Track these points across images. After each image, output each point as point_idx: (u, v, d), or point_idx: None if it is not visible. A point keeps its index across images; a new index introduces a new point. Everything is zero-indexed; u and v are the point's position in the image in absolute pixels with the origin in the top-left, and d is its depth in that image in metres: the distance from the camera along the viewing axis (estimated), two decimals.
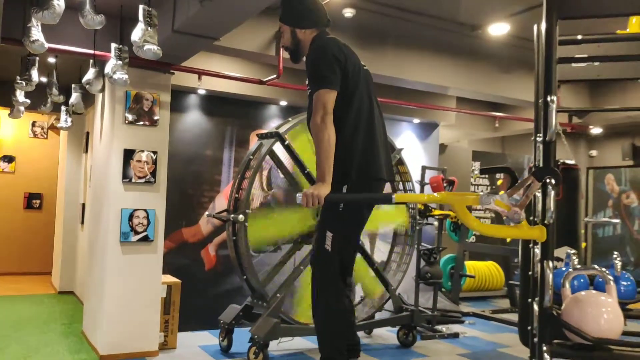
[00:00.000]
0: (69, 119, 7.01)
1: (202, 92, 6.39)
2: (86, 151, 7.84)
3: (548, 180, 2.50)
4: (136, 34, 4.02)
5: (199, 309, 6.12)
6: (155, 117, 5.17)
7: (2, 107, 7.94)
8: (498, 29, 5.76)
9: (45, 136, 10.05)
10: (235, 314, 5.27)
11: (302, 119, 5.38)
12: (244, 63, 6.29)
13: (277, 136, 5.17)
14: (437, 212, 6.45)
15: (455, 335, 6.30)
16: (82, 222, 7.66)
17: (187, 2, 4.00)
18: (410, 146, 7.77)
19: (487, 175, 9.79)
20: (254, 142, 5.60)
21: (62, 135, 8.84)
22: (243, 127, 6.75)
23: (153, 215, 5.12)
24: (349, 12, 5.24)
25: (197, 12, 3.85)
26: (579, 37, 3.12)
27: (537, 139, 2.86)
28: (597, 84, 7.84)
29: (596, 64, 3.61)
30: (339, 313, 2.89)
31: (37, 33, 4.13)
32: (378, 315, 5.89)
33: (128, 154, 5.06)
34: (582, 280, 3.48)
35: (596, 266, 2.73)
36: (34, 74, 5.25)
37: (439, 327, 6.48)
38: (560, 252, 3.71)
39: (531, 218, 2.74)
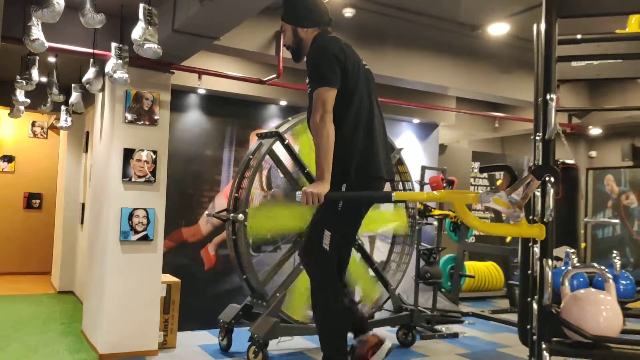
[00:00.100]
0: (69, 119, 7.01)
1: (202, 91, 6.40)
2: (86, 151, 7.85)
3: (547, 179, 2.50)
4: (136, 33, 4.03)
5: (199, 308, 6.12)
6: (155, 117, 5.18)
7: (2, 107, 7.95)
8: (498, 29, 5.76)
9: (45, 136, 10.05)
10: (235, 313, 5.28)
11: (302, 118, 5.39)
12: (243, 63, 6.30)
13: (277, 135, 5.18)
14: (436, 212, 6.45)
15: (455, 335, 6.31)
16: (82, 222, 7.66)
17: (187, 1, 4.01)
18: (410, 146, 7.77)
19: (486, 176, 9.79)
20: (253, 142, 5.60)
21: (61, 135, 8.85)
22: (243, 127, 6.76)
23: (153, 215, 5.12)
24: (349, 12, 5.25)
25: (197, 12, 3.86)
26: (579, 36, 3.12)
27: (537, 138, 2.87)
28: (597, 85, 7.85)
29: (595, 63, 3.62)
30: (337, 313, 2.90)
31: (37, 32, 4.14)
32: (378, 315, 5.90)
33: (128, 153, 5.06)
34: (581, 279, 3.48)
35: (595, 264, 2.74)
36: (34, 73, 5.26)
37: (438, 327, 6.49)
38: (559, 252, 3.71)
39: (530, 217, 2.75)
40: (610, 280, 2.59)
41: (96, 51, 4.93)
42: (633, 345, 2.46)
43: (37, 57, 5.26)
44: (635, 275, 7.43)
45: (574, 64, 3.62)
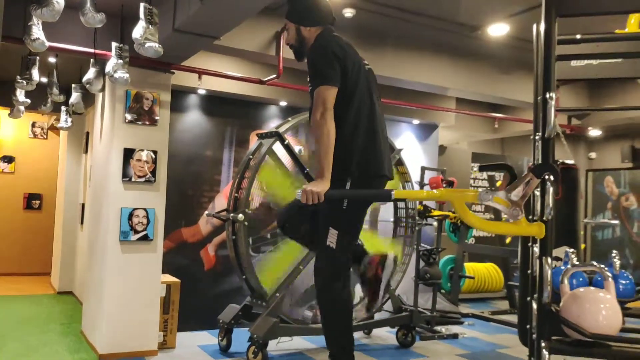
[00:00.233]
0: (69, 119, 7.02)
1: (202, 92, 6.40)
2: (86, 151, 7.85)
3: (547, 177, 2.51)
4: (137, 32, 4.03)
5: (198, 308, 6.12)
6: (156, 117, 5.18)
7: (2, 107, 7.95)
8: (498, 30, 5.77)
9: (45, 137, 10.06)
10: (235, 313, 5.28)
11: (302, 118, 5.39)
12: (243, 63, 6.30)
13: (277, 136, 5.18)
14: (436, 212, 6.46)
15: (455, 336, 6.31)
16: (82, 223, 7.66)
17: (188, 0, 4.02)
18: (410, 147, 7.78)
19: (486, 177, 9.79)
20: (253, 142, 5.60)
21: (61, 136, 8.85)
22: (243, 127, 6.76)
23: (153, 215, 5.12)
24: (349, 12, 5.25)
25: (197, 11, 3.87)
26: (578, 36, 3.13)
27: (536, 137, 2.87)
28: (597, 86, 7.86)
29: (595, 63, 3.63)
30: (342, 312, 2.92)
31: (37, 31, 4.14)
32: (377, 316, 5.90)
33: (128, 153, 5.07)
34: (580, 279, 3.48)
35: (595, 262, 2.74)
36: (35, 73, 5.27)
37: (438, 327, 6.49)
38: (559, 252, 3.72)
39: (530, 217, 2.75)
40: (610, 279, 2.59)
41: (97, 51, 4.94)
42: (632, 343, 2.46)
43: (38, 57, 5.27)
44: (635, 276, 7.43)
45: (573, 64, 3.63)
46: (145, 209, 5.10)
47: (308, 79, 2.92)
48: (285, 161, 5.31)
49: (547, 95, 2.61)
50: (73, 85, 6.22)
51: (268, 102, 6.84)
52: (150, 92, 5.17)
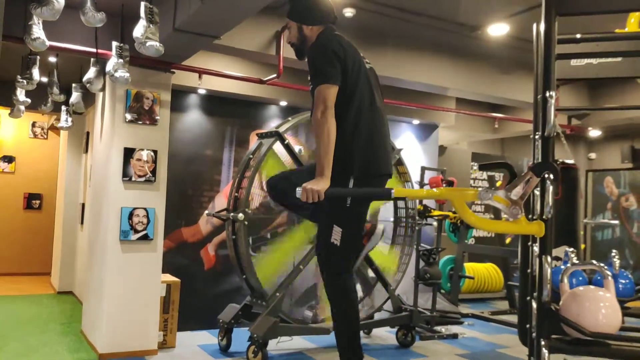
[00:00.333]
0: (69, 119, 7.02)
1: (202, 91, 6.41)
2: (86, 151, 7.86)
3: (546, 176, 2.51)
4: (138, 31, 4.04)
5: (198, 308, 6.12)
6: (156, 116, 5.19)
7: (2, 107, 7.96)
8: (498, 30, 5.77)
9: (45, 136, 10.06)
10: (235, 313, 5.28)
11: (302, 118, 5.40)
12: (244, 63, 6.31)
13: (277, 135, 5.18)
14: (436, 212, 6.46)
15: (454, 336, 6.31)
16: (82, 223, 7.67)
17: (188, 0, 4.02)
18: (410, 147, 7.78)
19: (486, 177, 9.79)
20: (253, 142, 5.61)
21: (62, 136, 8.86)
22: (243, 127, 6.77)
23: (153, 214, 5.13)
24: (349, 12, 5.26)
25: (197, 10, 3.87)
26: (578, 35, 3.13)
27: (536, 136, 2.87)
28: (596, 86, 7.86)
29: (595, 63, 3.63)
30: (350, 319, 2.96)
31: (38, 31, 4.15)
32: (377, 316, 5.90)
33: (128, 153, 5.07)
34: (580, 278, 3.49)
35: (594, 261, 2.74)
36: (35, 72, 5.27)
37: (437, 327, 6.49)
38: (559, 252, 3.72)
39: (530, 216, 2.75)
40: (609, 277, 2.59)
41: (97, 50, 4.93)
42: (632, 342, 2.46)
43: (38, 57, 5.27)
44: (635, 277, 7.43)
45: (573, 63, 3.63)
46: (145, 209, 5.10)
47: (309, 78, 2.93)
48: (285, 161, 5.32)
49: (547, 94, 2.61)
50: (73, 85, 6.23)
51: (268, 101, 6.84)
52: (151, 92, 5.17)
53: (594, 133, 9.32)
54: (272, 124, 6.71)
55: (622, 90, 7.63)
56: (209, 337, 5.84)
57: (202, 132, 6.54)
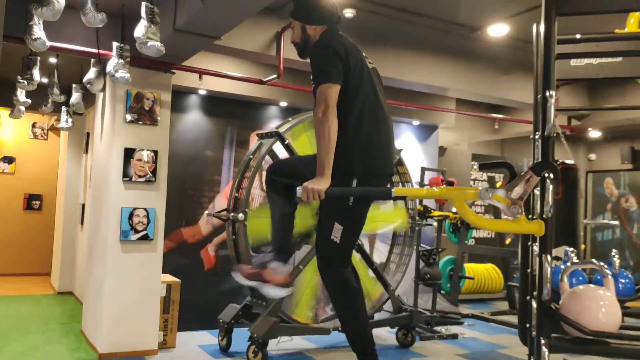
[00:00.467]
0: (70, 120, 7.04)
1: (202, 92, 6.42)
2: (86, 152, 7.86)
3: (546, 175, 2.51)
4: (139, 31, 4.04)
5: (198, 308, 6.12)
6: (156, 117, 5.19)
7: (2, 108, 7.97)
8: (497, 30, 5.78)
9: (45, 137, 10.07)
10: (235, 313, 5.28)
11: (303, 118, 5.40)
12: (244, 63, 6.32)
13: (277, 136, 5.19)
14: (436, 213, 6.46)
15: (454, 336, 6.31)
16: (82, 223, 7.67)
17: (189, 0, 4.03)
18: (410, 148, 7.79)
19: (486, 178, 9.79)
20: (254, 142, 5.61)
21: (62, 136, 8.86)
22: (243, 128, 6.77)
23: (153, 214, 5.13)
24: (349, 13, 5.27)
25: (198, 10, 3.88)
26: (578, 36, 3.14)
27: (536, 136, 2.88)
28: (596, 87, 7.87)
29: (595, 63, 3.64)
30: (355, 308, 2.97)
31: (38, 31, 4.16)
32: (377, 316, 5.90)
33: (128, 153, 5.08)
34: (580, 278, 3.49)
35: (594, 260, 2.74)
36: (36, 73, 5.28)
37: (438, 328, 6.49)
38: (559, 252, 3.73)
39: (530, 216, 2.76)
40: (609, 276, 2.59)
41: (98, 51, 4.94)
42: (632, 340, 2.47)
43: (39, 57, 5.28)
44: (635, 278, 7.43)
45: (573, 63, 3.64)
46: (145, 209, 5.10)
47: (311, 78, 2.93)
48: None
49: (547, 94, 2.62)
50: (74, 86, 6.24)
51: (268, 102, 6.85)
52: (151, 92, 5.18)
53: (594, 134, 9.33)
54: (272, 125, 6.72)
55: (622, 91, 7.64)
56: (209, 337, 5.84)
57: (203, 132, 6.55)
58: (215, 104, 6.60)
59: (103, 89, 5.34)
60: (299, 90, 6.26)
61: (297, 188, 2.69)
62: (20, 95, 6.00)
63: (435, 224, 6.88)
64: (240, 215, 4.96)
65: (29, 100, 6.12)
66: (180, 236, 6.36)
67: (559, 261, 3.69)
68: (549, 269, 2.48)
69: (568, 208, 4.30)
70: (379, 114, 3.00)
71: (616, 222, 9.29)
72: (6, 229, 9.72)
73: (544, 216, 2.53)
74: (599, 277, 3.42)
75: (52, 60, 6.02)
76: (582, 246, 6.94)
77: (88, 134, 7.79)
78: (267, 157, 5.19)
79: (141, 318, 5.11)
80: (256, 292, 5.16)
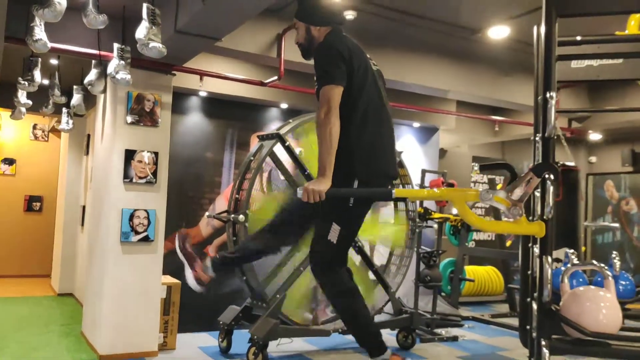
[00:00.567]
0: (70, 121, 7.04)
1: (203, 94, 6.42)
2: (87, 153, 7.87)
3: (547, 176, 2.52)
4: (141, 32, 4.05)
5: (199, 310, 6.12)
6: (157, 118, 5.20)
7: (3, 109, 7.97)
8: (498, 32, 5.79)
9: (46, 139, 10.07)
10: (235, 315, 5.27)
11: (303, 120, 5.41)
12: (245, 65, 6.32)
13: (278, 137, 5.19)
14: (436, 215, 6.46)
15: (455, 339, 6.30)
16: (82, 225, 7.67)
17: (190, 1, 4.04)
18: (410, 150, 7.79)
19: (486, 180, 9.79)
20: (254, 144, 5.62)
21: (62, 138, 8.87)
22: (244, 129, 6.78)
23: (153, 216, 5.13)
24: (350, 15, 5.27)
25: (199, 11, 3.88)
26: (578, 37, 3.14)
27: (537, 138, 2.88)
28: (597, 89, 7.87)
29: (595, 65, 3.64)
30: (354, 306, 2.96)
31: (40, 32, 4.16)
32: (377, 318, 5.88)
33: (129, 154, 5.08)
34: (580, 279, 3.49)
35: (594, 261, 2.75)
36: (37, 74, 5.29)
37: (438, 330, 6.48)
38: (559, 254, 3.73)
39: (530, 217, 2.76)
40: (610, 278, 2.59)
41: (99, 52, 4.95)
42: (633, 342, 2.47)
43: (40, 59, 5.29)
44: (635, 280, 7.42)
45: (573, 65, 3.64)
46: (146, 210, 5.11)
47: (314, 79, 2.93)
48: (286, 163, 5.32)
49: (548, 95, 2.62)
50: (75, 87, 6.24)
51: (269, 104, 6.86)
52: (152, 94, 5.18)
53: (595, 136, 9.33)
54: (272, 126, 6.72)
55: (622, 93, 7.64)
56: (209, 339, 5.84)
57: (203, 134, 6.55)
58: (215, 105, 6.61)
59: (104, 91, 5.34)
60: (300, 92, 6.26)
61: (298, 189, 2.70)
62: (21, 96, 6.01)
63: (435, 226, 6.88)
64: (241, 217, 4.96)
65: (30, 102, 6.12)
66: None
67: (559, 263, 3.69)
68: (549, 270, 2.49)
69: (569, 210, 4.30)
70: (382, 116, 3.01)
71: (617, 225, 9.29)
72: (6, 230, 9.72)
73: (544, 217, 2.54)
74: (599, 279, 3.42)
75: (53, 61, 6.03)
76: (583, 248, 6.94)
77: (89, 135, 7.79)
78: (268, 159, 5.19)
79: (141, 319, 5.11)
80: (256, 293, 5.17)
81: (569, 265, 3.14)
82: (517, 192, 2.49)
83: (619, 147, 9.67)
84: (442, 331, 6.50)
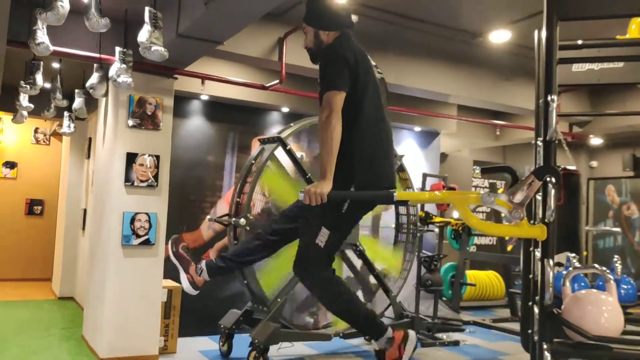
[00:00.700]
0: (72, 125, 7.05)
1: (204, 97, 6.43)
2: (88, 157, 7.87)
3: (548, 179, 2.52)
4: (143, 35, 4.05)
5: (200, 313, 6.11)
6: (158, 122, 5.20)
7: (5, 113, 7.98)
8: (499, 37, 5.79)
9: (47, 142, 10.08)
10: (236, 318, 5.27)
11: (305, 123, 5.41)
12: (246, 69, 6.33)
13: (279, 141, 5.20)
14: (438, 219, 6.46)
15: (456, 343, 6.28)
16: (83, 228, 7.67)
17: (192, 5, 4.05)
18: (411, 154, 7.79)
19: (487, 185, 9.79)
20: (255, 148, 5.62)
21: (64, 142, 8.88)
22: (245, 133, 6.78)
23: (155, 219, 5.13)
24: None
25: (201, 15, 3.89)
26: (579, 42, 3.15)
27: (538, 142, 2.89)
28: (597, 94, 7.88)
29: (596, 69, 3.65)
30: (347, 299, 2.95)
31: (42, 35, 4.17)
32: None
33: (131, 158, 5.08)
34: (582, 283, 3.48)
35: (596, 265, 2.74)
36: (39, 78, 5.30)
37: (439, 334, 6.46)
38: (561, 258, 3.73)
39: (531, 221, 2.76)
40: (612, 281, 2.59)
41: (100, 55, 4.96)
42: (635, 345, 2.46)
43: (42, 62, 5.30)
44: (637, 285, 7.41)
45: (574, 69, 3.65)
46: (147, 214, 5.11)
47: (318, 82, 2.93)
48: (287, 166, 5.33)
49: (549, 98, 2.63)
50: (76, 91, 6.24)
51: (270, 107, 6.86)
52: (154, 97, 5.19)
53: (596, 141, 9.33)
54: (274, 130, 6.72)
55: (623, 97, 7.64)
56: (210, 343, 5.83)
57: (205, 137, 6.56)
58: (217, 109, 6.61)
59: (106, 94, 5.35)
60: (301, 95, 6.27)
61: (299, 192, 2.70)
62: (23, 100, 6.01)
63: (436, 230, 6.87)
64: (242, 221, 4.96)
65: (32, 105, 6.13)
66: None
67: (560, 267, 3.69)
68: (551, 274, 2.49)
69: (570, 214, 4.29)
70: (382, 126, 3.00)
71: (618, 229, 9.28)
72: (8, 234, 9.72)
73: (546, 220, 2.54)
74: (600, 283, 3.42)
75: (55, 65, 6.04)
76: (584, 253, 6.93)
77: (90, 139, 7.80)
78: (269, 163, 5.20)
79: (142, 323, 5.10)
80: (257, 297, 5.17)
81: (570, 268, 3.14)
82: (519, 195, 2.49)
83: (620, 151, 9.67)
84: (444, 336, 6.48)
